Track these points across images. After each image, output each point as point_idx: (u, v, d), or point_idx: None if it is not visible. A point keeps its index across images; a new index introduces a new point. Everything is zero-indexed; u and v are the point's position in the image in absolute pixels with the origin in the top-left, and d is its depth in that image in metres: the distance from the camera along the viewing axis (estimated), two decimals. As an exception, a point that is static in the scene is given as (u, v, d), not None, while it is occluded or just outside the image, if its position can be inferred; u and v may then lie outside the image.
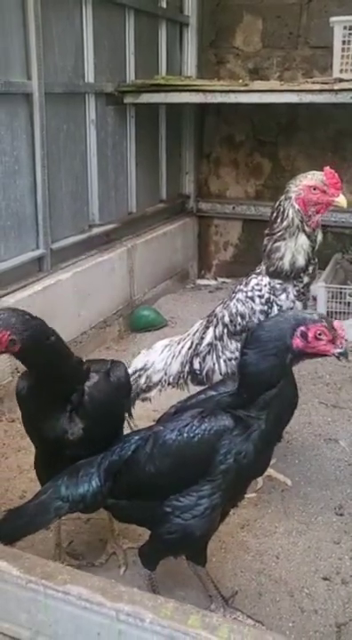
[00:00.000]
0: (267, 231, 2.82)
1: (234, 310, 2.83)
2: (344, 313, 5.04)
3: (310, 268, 2.78)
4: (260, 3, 5.82)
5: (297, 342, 2.02)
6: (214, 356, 2.92)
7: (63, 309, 4.24)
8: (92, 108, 4.68)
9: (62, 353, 2.29)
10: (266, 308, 2.74)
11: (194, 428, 2.09)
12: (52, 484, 2.22)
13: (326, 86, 4.51)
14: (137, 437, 2.26)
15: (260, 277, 2.81)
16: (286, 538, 2.80)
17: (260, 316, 2.75)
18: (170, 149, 5.96)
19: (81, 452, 2.28)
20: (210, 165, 6.36)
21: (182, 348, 3.07)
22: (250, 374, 2.06)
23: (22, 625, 1.47)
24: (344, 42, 4.73)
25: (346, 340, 2.05)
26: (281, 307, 2.74)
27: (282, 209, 2.73)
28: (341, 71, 4.77)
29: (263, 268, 2.82)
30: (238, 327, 2.82)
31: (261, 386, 2.06)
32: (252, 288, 2.78)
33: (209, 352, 2.94)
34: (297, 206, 2.70)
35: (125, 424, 3.00)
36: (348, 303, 5.11)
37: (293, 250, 2.73)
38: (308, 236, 2.73)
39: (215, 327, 2.94)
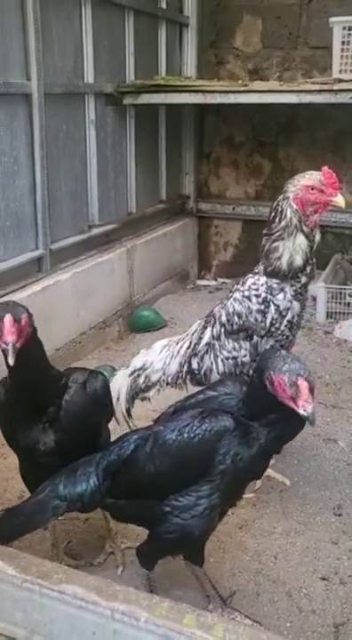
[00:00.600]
0: (265, 231, 2.81)
1: (231, 309, 2.83)
2: (344, 313, 5.05)
3: (308, 269, 2.77)
4: (259, 3, 5.83)
5: (268, 386, 2.03)
6: (212, 356, 2.92)
7: (62, 310, 4.24)
8: (92, 109, 4.68)
9: (43, 358, 2.27)
10: (263, 307, 2.74)
11: (194, 428, 2.10)
12: (50, 483, 2.21)
13: (326, 86, 4.52)
14: (136, 437, 2.25)
15: (256, 277, 2.80)
16: (285, 538, 2.79)
17: (256, 316, 2.75)
18: (170, 150, 5.96)
19: (55, 461, 2.27)
20: (210, 166, 6.36)
21: (181, 347, 3.07)
22: (248, 394, 2.13)
23: (18, 624, 1.47)
24: (343, 42, 4.74)
25: (312, 404, 1.97)
26: (278, 306, 2.74)
27: (280, 209, 2.73)
28: (341, 71, 4.78)
29: (261, 267, 2.81)
30: (235, 326, 2.82)
31: (258, 408, 2.09)
32: (249, 287, 2.78)
33: (207, 352, 2.94)
34: (295, 206, 2.70)
35: (125, 425, 3.02)
36: (348, 303, 5.11)
37: (291, 250, 2.72)
38: (307, 236, 2.73)
39: (213, 327, 2.94)
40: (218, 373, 2.89)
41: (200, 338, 2.99)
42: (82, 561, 2.61)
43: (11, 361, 2.02)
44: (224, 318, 2.87)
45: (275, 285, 2.76)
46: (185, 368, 3.02)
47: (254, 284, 2.78)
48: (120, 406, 3.09)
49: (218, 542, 2.72)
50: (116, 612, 1.27)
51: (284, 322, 2.76)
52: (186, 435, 2.10)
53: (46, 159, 4.12)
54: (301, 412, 1.97)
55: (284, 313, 2.75)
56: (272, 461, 3.11)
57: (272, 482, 3.14)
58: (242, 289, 2.81)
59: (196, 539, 2.16)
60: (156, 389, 3.10)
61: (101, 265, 4.73)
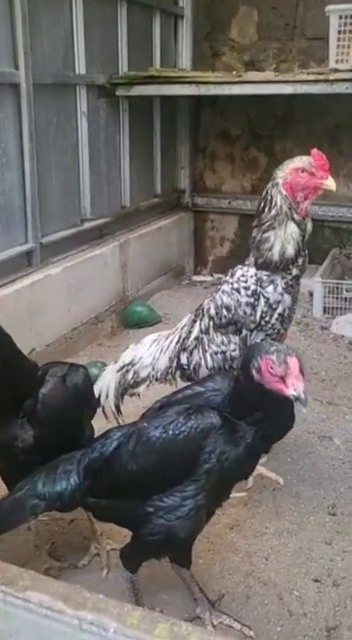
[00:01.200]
0: (255, 223, 2.71)
1: (219, 302, 2.73)
2: (341, 308, 4.96)
3: (300, 260, 2.67)
4: (255, -7, 5.73)
5: (254, 375, 1.95)
6: (200, 350, 2.83)
7: (53, 304, 4.16)
8: (84, 100, 4.59)
9: (13, 349, 2.20)
10: (252, 300, 2.64)
11: (179, 425, 2.02)
12: (29, 481, 2.13)
13: (321, 77, 4.42)
14: (119, 434, 2.17)
15: (245, 269, 2.70)
16: (277, 538, 2.71)
17: (245, 309, 2.65)
18: (165, 143, 5.87)
19: (34, 459, 2.20)
20: (205, 160, 6.27)
21: (170, 342, 2.98)
22: (234, 392, 2.05)
23: (-18, 634, 1.39)
24: (340, 31, 4.65)
25: (302, 383, 1.88)
26: (268, 299, 2.64)
27: (269, 197, 2.63)
28: (337, 61, 4.69)
29: (251, 259, 2.72)
30: (224, 320, 2.72)
31: (244, 406, 2.01)
32: (238, 279, 2.68)
33: (196, 346, 2.85)
34: (284, 192, 2.60)
35: (114, 422, 2.93)
36: (346, 299, 5.02)
37: (283, 239, 2.62)
38: (298, 225, 2.62)
39: (201, 320, 2.85)
40: (207, 368, 2.79)
41: (189, 332, 2.90)
42: (66, 563, 2.53)
43: None
44: (213, 311, 2.77)
45: (264, 277, 2.66)
46: (174, 363, 2.93)
47: (243, 275, 2.68)
48: (109, 403, 3.01)
49: (207, 543, 2.64)
50: (83, 621, 1.18)
51: (275, 315, 2.67)
52: (171, 432, 2.02)
53: (36, 151, 4.03)
54: (291, 391, 1.89)
55: (274, 306, 2.65)
56: (264, 459, 3.03)
57: (265, 480, 3.05)
58: (231, 281, 2.71)
59: (181, 540, 2.08)
60: (145, 385, 3.01)
61: (94, 259, 4.64)
